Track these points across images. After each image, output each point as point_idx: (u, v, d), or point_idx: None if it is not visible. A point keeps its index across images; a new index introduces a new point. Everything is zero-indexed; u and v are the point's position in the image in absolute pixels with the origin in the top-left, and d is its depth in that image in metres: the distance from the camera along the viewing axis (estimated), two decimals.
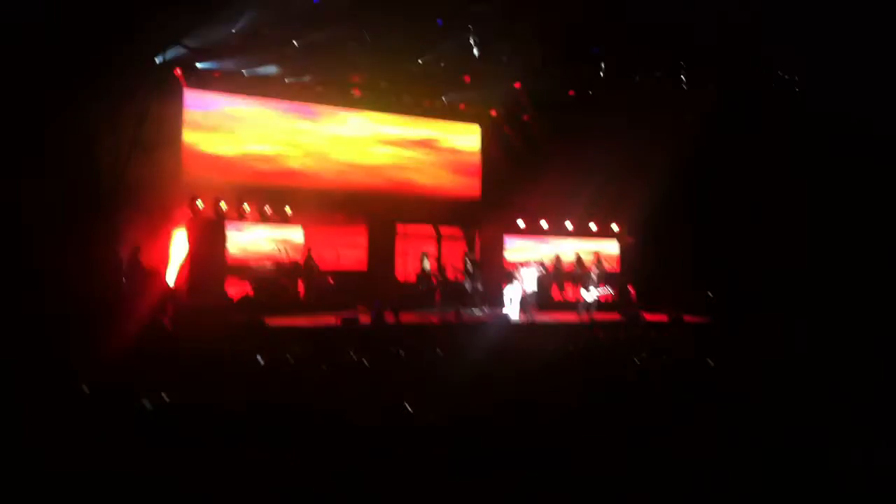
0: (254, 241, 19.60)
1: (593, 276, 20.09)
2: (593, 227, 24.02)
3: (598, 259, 21.95)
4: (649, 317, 18.80)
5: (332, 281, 20.09)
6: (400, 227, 22.46)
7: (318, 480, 4.58)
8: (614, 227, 24.19)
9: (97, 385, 6.49)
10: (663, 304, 19.48)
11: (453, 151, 23.57)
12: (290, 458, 4.78)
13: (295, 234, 20.53)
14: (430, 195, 22.82)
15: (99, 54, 13.04)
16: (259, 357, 8.98)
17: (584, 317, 19.10)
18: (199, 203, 18.47)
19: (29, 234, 12.08)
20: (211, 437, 4.91)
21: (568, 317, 18.99)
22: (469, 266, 20.71)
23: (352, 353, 9.73)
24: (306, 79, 20.24)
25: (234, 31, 16.56)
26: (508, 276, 19.72)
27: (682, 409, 6.24)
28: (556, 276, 22.70)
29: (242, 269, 18.37)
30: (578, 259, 22.72)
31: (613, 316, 18.92)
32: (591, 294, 19.62)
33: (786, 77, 19.32)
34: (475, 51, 17.11)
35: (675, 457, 4.76)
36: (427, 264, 21.22)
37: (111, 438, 4.67)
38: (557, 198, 23.72)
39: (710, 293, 20.88)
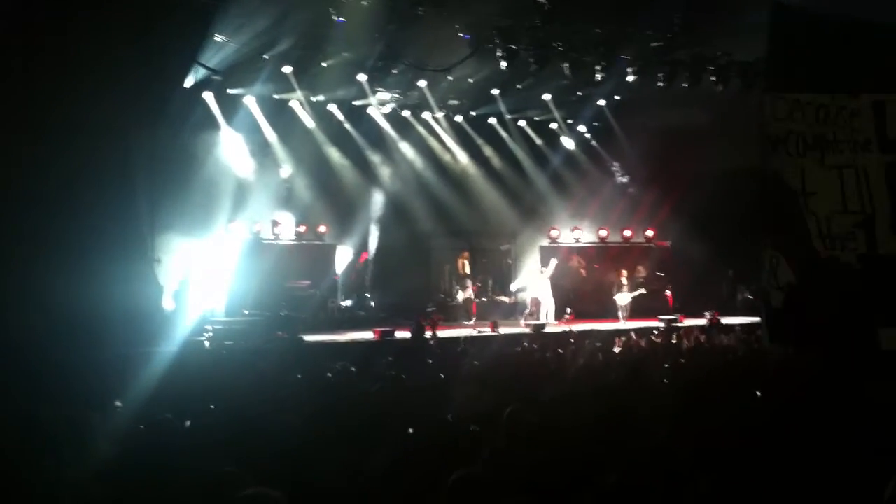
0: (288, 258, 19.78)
1: (625, 281, 19.95)
2: (628, 234, 23.88)
3: (635, 266, 21.85)
4: (687, 319, 18.69)
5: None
6: (435, 241, 22.52)
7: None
8: (649, 233, 24.01)
9: (133, 402, 6.58)
10: (700, 308, 19.39)
11: None
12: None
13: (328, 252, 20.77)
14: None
15: (132, 78, 13.25)
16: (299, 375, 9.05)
17: (621, 321, 19.02)
18: (236, 223, 18.73)
19: (68, 256, 12.30)
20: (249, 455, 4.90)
21: (605, 322, 18.88)
22: (506, 276, 20.74)
23: (388, 366, 9.76)
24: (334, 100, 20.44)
25: (265, 56, 16.72)
26: (544, 285, 19.68)
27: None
28: (591, 283, 22.59)
29: (279, 286, 18.47)
30: (614, 266, 22.54)
31: (652, 320, 18.75)
32: (625, 298, 19.51)
33: None
34: (503, 64, 17.01)
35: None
36: (463, 276, 21.24)
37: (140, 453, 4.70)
38: (592, 206, 23.72)
39: (749, 295, 20.63)
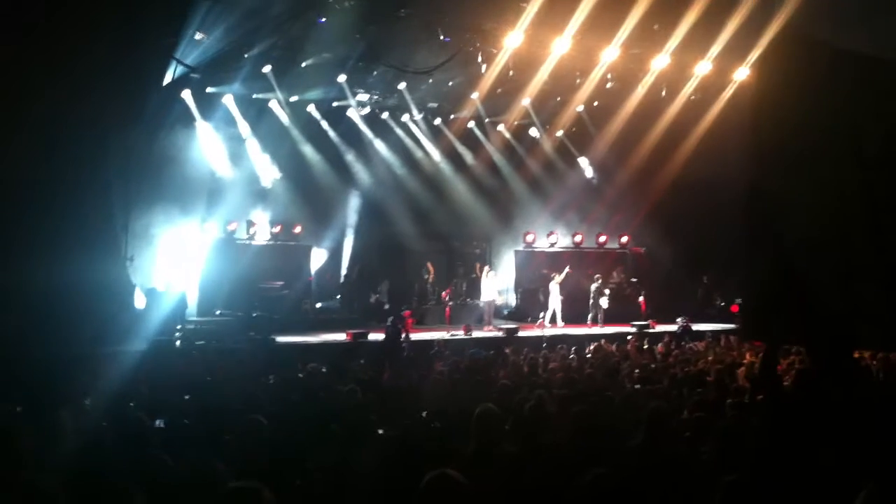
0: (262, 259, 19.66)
1: (597, 287, 20.04)
2: (603, 239, 24.05)
3: (610, 271, 22.01)
4: (659, 325, 18.82)
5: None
6: (411, 243, 22.51)
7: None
8: (624, 239, 24.19)
9: (104, 401, 6.52)
10: (673, 314, 19.52)
11: None
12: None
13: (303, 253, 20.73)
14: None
15: (111, 76, 13.12)
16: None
17: (593, 326, 19.13)
18: (211, 222, 18.63)
19: (41, 254, 12.16)
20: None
21: (578, 328, 18.99)
22: (479, 280, 20.77)
23: (361, 367, 9.76)
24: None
25: (245, 55, 16.60)
26: (554, 290, 19.80)
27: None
28: (564, 289, 22.71)
29: (252, 287, 18.36)
30: (588, 272, 22.69)
31: (624, 325, 18.86)
32: (598, 305, 19.63)
33: None
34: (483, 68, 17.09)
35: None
36: (436, 280, 21.26)
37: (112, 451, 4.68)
38: (567, 211, 23.84)
39: (722, 301, 20.83)
